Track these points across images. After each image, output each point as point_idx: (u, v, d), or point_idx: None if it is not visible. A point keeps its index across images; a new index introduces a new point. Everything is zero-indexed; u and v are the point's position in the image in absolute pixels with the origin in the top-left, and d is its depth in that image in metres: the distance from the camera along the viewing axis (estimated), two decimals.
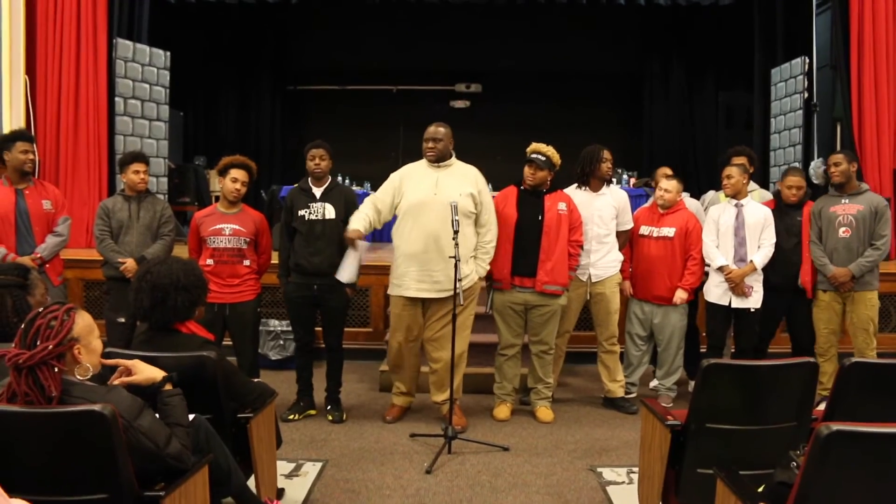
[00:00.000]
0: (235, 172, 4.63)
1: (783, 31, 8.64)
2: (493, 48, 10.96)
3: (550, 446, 4.39)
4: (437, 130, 4.58)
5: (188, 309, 2.91)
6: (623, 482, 3.87)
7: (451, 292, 4.39)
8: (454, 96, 11.66)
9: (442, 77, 11.48)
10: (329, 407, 4.82)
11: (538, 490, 3.77)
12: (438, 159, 4.57)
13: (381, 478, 3.88)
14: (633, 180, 9.37)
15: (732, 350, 5.22)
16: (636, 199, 7.09)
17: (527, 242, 4.61)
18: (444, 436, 4.22)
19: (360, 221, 4.45)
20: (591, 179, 5.00)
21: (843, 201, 4.91)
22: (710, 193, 5.73)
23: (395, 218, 4.67)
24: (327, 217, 4.63)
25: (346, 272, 4.41)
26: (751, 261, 4.81)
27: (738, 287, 4.81)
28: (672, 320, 4.97)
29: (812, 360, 2.94)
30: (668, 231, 4.94)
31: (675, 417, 3.00)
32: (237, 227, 4.59)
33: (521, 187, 4.76)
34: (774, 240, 4.85)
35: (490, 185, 9.31)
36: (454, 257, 4.17)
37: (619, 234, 5.03)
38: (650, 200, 5.34)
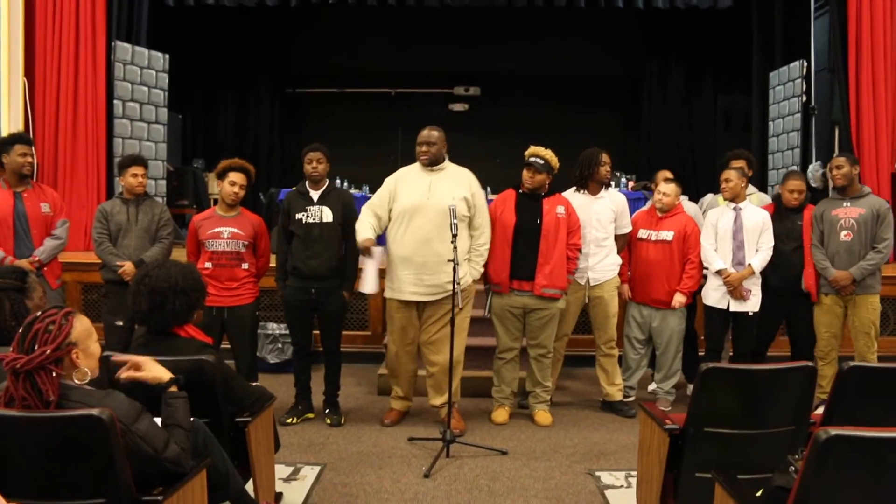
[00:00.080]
0: (234, 176, 4.63)
1: (781, 35, 8.66)
2: (491, 51, 10.97)
3: (549, 450, 4.38)
4: (431, 134, 4.58)
5: (186, 312, 2.91)
6: (621, 486, 3.87)
7: (446, 294, 4.43)
8: (453, 99, 11.66)
9: (440, 80, 11.48)
10: (327, 410, 4.82)
11: (536, 494, 3.76)
12: (432, 163, 4.58)
13: (379, 482, 3.88)
14: (631, 183, 9.37)
15: (731, 353, 5.22)
16: (634, 203, 7.09)
17: (525, 246, 4.61)
18: (443, 439, 4.22)
19: (367, 229, 4.47)
20: (590, 183, 5.00)
21: (844, 204, 4.91)
22: (709, 196, 5.74)
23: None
24: (325, 220, 4.63)
25: (370, 282, 4.41)
26: (749, 264, 4.81)
27: (736, 290, 4.81)
28: (670, 324, 4.97)
29: (810, 364, 2.94)
30: (667, 235, 4.94)
31: (673, 421, 3.00)
32: (235, 230, 4.59)
33: (520, 191, 4.76)
34: (772, 243, 4.85)
35: (489, 189, 9.39)
36: (453, 260, 4.18)
37: (617, 238, 5.03)
38: (648, 204, 5.34)
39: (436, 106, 11.38)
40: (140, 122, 7.78)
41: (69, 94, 7.24)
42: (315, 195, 4.68)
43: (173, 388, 2.51)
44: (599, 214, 4.94)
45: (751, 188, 5.35)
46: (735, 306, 4.86)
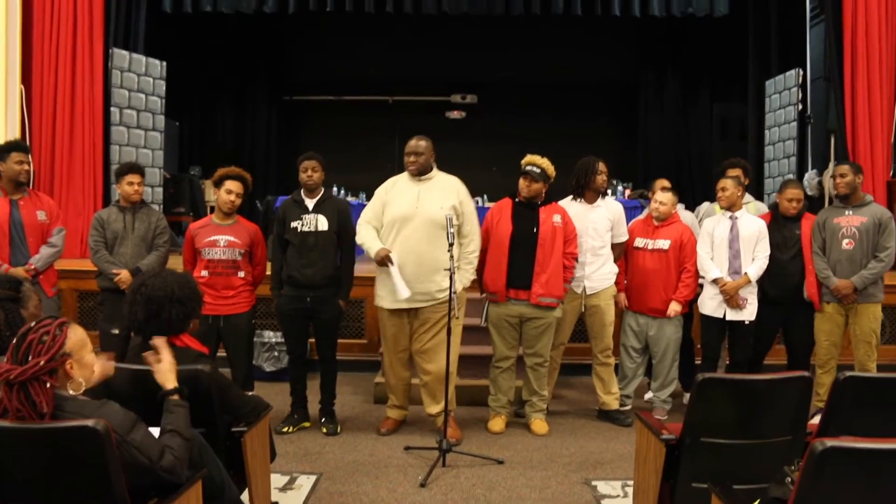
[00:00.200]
0: (230, 184, 4.63)
1: (777, 43, 8.71)
2: (489, 59, 11.00)
3: (545, 459, 4.37)
4: (418, 144, 4.58)
5: (182, 322, 2.90)
6: (618, 496, 3.86)
7: (436, 302, 4.45)
8: (450, 107, 11.70)
9: (438, 88, 11.52)
10: (323, 419, 4.81)
11: None
12: (420, 173, 4.58)
13: (375, 491, 3.87)
14: (627, 192, 9.40)
15: (727, 362, 5.23)
16: (631, 211, 7.11)
17: (522, 255, 4.61)
18: (439, 449, 4.21)
19: (377, 240, 4.49)
20: (587, 192, 5.01)
21: (847, 213, 4.90)
22: (705, 205, 5.74)
23: None
24: (320, 229, 4.63)
25: (400, 288, 4.37)
26: (745, 273, 4.82)
27: (732, 299, 4.82)
28: (667, 332, 4.97)
29: (806, 374, 2.95)
30: (663, 243, 4.95)
31: (669, 431, 2.99)
32: (232, 238, 4.59)
33: (516, 199, 4.76)
34: (769, 252, 4.86)
35: (486, 196, 9.44)
36: (450, 269, 4.18)
37: (614, 247, 5.04)
38: (645, 213, 5.35)
39: (433, 113, 11.42)
40: (137, 129, 7.79)
41: (66, 101, 7.25)
42: (310, 203, 4.68)
43: (175, 397, 2.50)
44: (596, 223, 4.95)
45: (747, 197, 5.36)
46: (731, 315, 4.86)
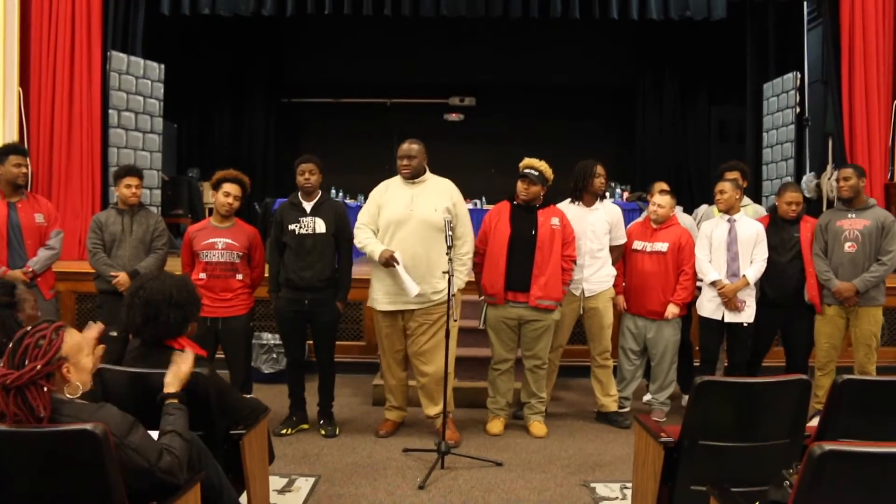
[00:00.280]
0: (228, 187, 4.63)
1: (775, 47, 8.73)
2: (487, 62, 11.02)
3: (544, 461, 4.37)
4: (411, 148, 4.60)
5: (180, 325, 2.89)
6: (616, 498, 3.87)
7: (431, 304, 4.49)
8: (448, 109, 11.70)
9: (436, 90, 11.52)
10: (322, 421, 4.81)
11: None
12: (413, 176, 4.60)
13: (373, 493, 3.87)
14: (626, 194, 9.40)
15: (725, 364, 5.23)
16: (629, 213, 7.11)
17: (520, 257, 4.62)
18: (437, 451, 4.21)
19: (378, 243, 4.50)
20: (585, 194, 5.01)
21: (849, 216, 4.90)
22: (703, 207, 5.75)
23: None
24: (318, 231, 4.63)
25: (410, 286, 4.38)
26: (743, 275, 4.82)
27: (730, 302, 4.82)
28: (665, 335, 4.97)
29: (805, 377, 2.94)
30: (662, 246, 4.95)
31: (668, 434, 2.99)
32: (230, 241, 4.59)
33: (514, 202, 4.77)
34: (767, 255, 4.86)
35: (484, 198, 9.44)
36: (447, 272, 4.20)
37: (612, 249, 5.04)
38: (643, 215, 5.35)
39: (431, 116, 11.43)
40: (135, 131, 7.78)
41: (64, 103, 7.24)
42: (308, 206, 4.68)
43: (174, 401, 2.50)
44: (594, 226, 4.95)
45: (746, 199, 5.36)
46: (730, 317, 4.86)
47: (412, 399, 4.88)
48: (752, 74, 9.03)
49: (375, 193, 4.71)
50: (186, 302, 2.89)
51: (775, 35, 8.74)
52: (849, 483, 2.00)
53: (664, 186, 5.34)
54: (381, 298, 4.58)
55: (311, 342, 5.01)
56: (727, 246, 4.86)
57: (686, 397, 5.16)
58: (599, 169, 5.01)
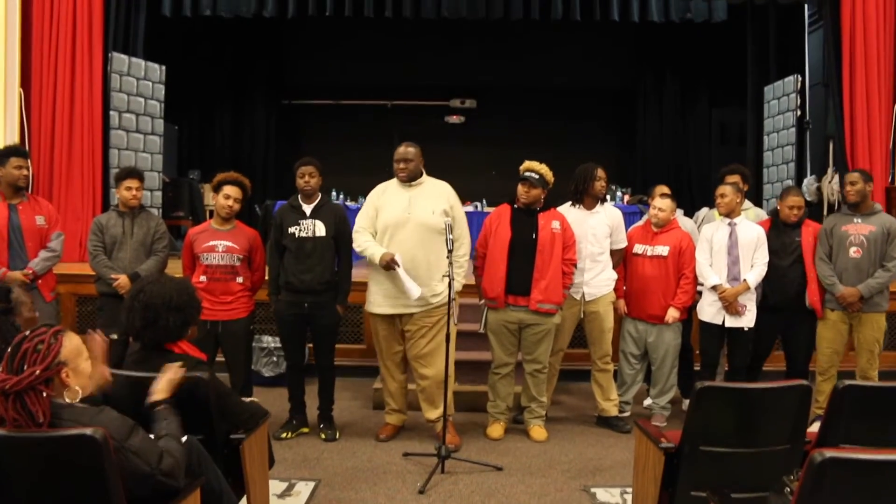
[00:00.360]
0: (228, 189, 4.63)
1: (776, 49, 8.74)
2: (487, 64, 11.03)
3: (544, 466, 4.37)
4: (407, 151, 4.60)
5: (180, 329, 2.89)
6: (616, 503, 3.86)
7: (431, 306, 4.50)
8: (449, 111, 11.71)
9: (437, 92, 11.53)
10: (322, 425, 4.80)
11: None
12: (410, 179, 4.61)
13: (373, 498, 3.86)
14: (627, 197, 9.41)
15: (726, 369, 5.22)
16: (630, 216, 7.11)
17: (521, 261, 4.61)
18: (438, 455, 4.20)
19: (377, 245, 4.51)
20: (585, 198, 5.00)
21: (855, 220, 4.89)
22: (704, 210, 5.74)
23: None
24: (318, 234, 4.62)
25: (412, 289, 4.39)
26: (744, 280, 4.81)
27: (731, 306, 4.81)
28: (666, 339, 4.97)
29: (805, 383, 2.94)
30: (662, 250, 4.94)
31: (668, 439, 2.99)
32: (230, 244, 4.58)
33: (515, 205, 4.76)
34: (767, 259, 4.86)
35: (485, 201, 9.44)
36: (447, 275, 4.21)
37: (613, 253, 5.03)
38: (643, 219, 5.34)
39: (432, 118, 11.45)
40: (136, 133, 7.78)
41: (65, 105, 7.24)
42: (308, 209, 4.68)
43: (163, 407, 2.50)
44: (595, 229, 4.95)
45: (747, 203, 5.36)
46: (730, 322, 4.85)
47: (412, 403, 4.88)
48: (753, 77, 9.04)
49: (372, 196, 4.71)
50: (186, 305, 2.89)
51: (776, 37, 8.76)
52: (849, 490, 2.00)
53: (665, 190, 5.33)
54: (379, 301, 4.58)
55: (311, 345, 5.00)
56: (728, 250, 4.85)
57: (686, 401, 5.15)
58: (600, 172, 5.00)
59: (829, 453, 1.96)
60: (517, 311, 4.66)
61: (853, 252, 4.83)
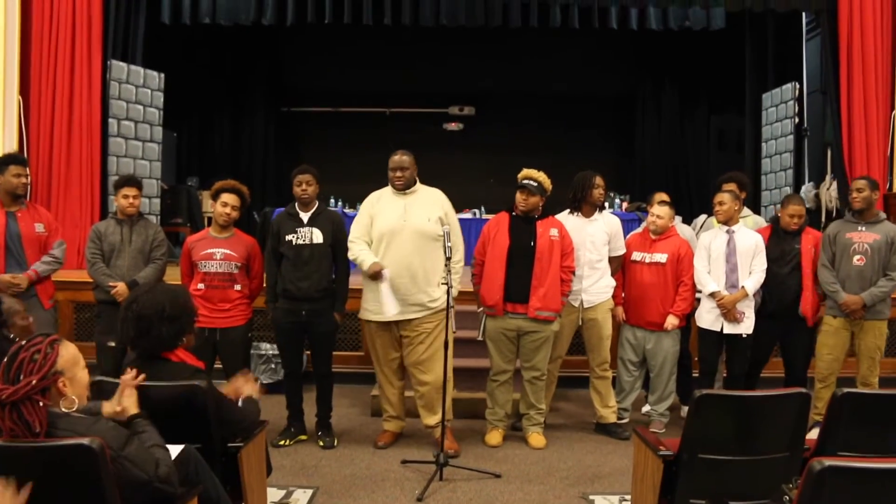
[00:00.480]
0: (226, 197, 4.63)
1: (774, 57, 8.76)
2: (486, 71, 11.04)
3: (542, 473, 4.36)
4: (403, 159, 4.62)
5: (174, 338, 2.87)
6: None
7: (429, 312, 4.51)
8: (447, 119, 11.72)
9: (435, 99, 11.54)
10: (320, 432, 4.79)
11: None
12: (406, 187, 4.62)
13: None
14: (625, 204, 9.42)
15: (724, 375, 5.22)
16: (628, 223, 7.11)
17: (519, 268, 4.61)
18: (436, 462, 4.19)
19: (371, 255, 4.51)
20: (583, 205, 5.01)
21: (859, 228, 4.88)
22: (703, 217, 5.75)
23: None
24: (315, 242, 4.63)
25: (389, 304, 4.41)
26: (742, 287, 4.81)
27: (729, 313, 4.81)
28: (664, 346, 4.96)
29: (804, 390, 2.94)
30: (661, 257, 4.95)
31: (667, 447, 2.98)
32: (228, 251, 4.59)
33: (513, 213, 4.76)
34: (765, 266, 4.86)
35: (483, 208, 9.44)
36: (447, 283, 4.22)
37: (611, 260, 5.03)
38: (642, 226, 5.35)
39: (431, 125, 11.46)
40: (135, 140, 7.79)
41: (64, 112, 7.24)
42: (305, 217, 4.68)
43: (139, 420, 2.48)
44: (593, 237, 4.95)
45: (746, 210, 5.37)
46: (728, 328, 4.85)
47: (410, 409, 4.87)
48: (751, 84, 9.06)
49: (366, 205, 4.73)
50: (180, 315, 2.87)
51: (774, 45, 8.78)
52: (848, 499, 2.00)
53: (663, 197, 5.34)
54: (375, 309, 4.57)
55: (308, 353, 4.99)
56: (726, 257, 4.86)
57: (685, 408, 5.15)
58: (598, 180, 5.01)
59: (828, 462, 1.96)
60: (516, 318, 4.66)
61: (857, 260, 4.83)
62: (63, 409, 2.19)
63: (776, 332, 5.04)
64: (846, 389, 2.87)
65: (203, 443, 2.77)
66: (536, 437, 4.83)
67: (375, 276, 4.42)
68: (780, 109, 8.31)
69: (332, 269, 4.72)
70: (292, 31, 9.26)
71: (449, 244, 4.25)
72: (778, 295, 4.94)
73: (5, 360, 2.14)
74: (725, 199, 4.90)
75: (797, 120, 8.03)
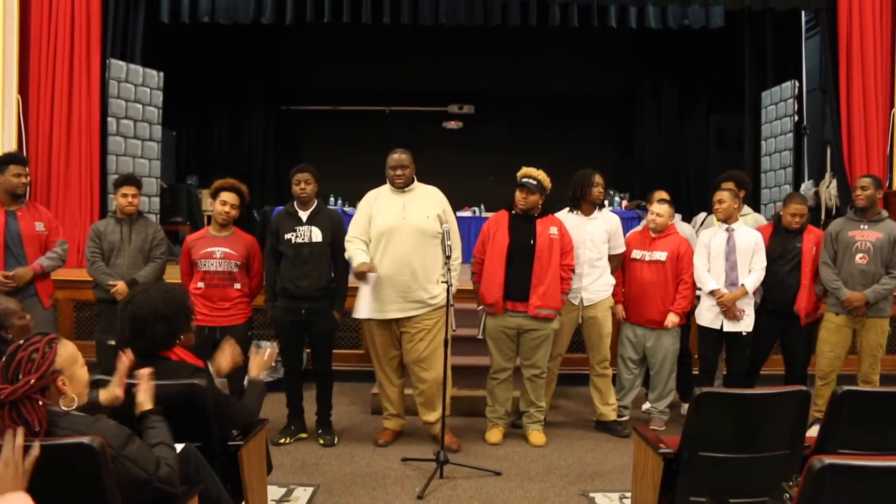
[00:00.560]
0: (225, 195, 4.63)
1: (773, 55, 8.76)
2: (485, 70, 11.03)
3: (543, 471, 4.36)
4: (402, 158, 4.63)
5: (168, 338, 2.86)
6: None
7: (429, 309, 4.53)
8: (447, 117, 11.72)
9: (435, 98, 11.53)
10: (320, 430, 4.80)
11: None
12: (406, 185, 4.63)
13: (372, 503, 3.86)
14: (624, 202, 9.41)
15: (724, 373, 5.22)
16: (628, 222, 7.11)
17: (519, 267, 4.61)
18: (436, 460, 4.19)
19: (364, 255, 4.50)
20: (583, 203, 5.01)
21: (862, 227, 4.87)
22: (702, 215, 5.75)
23: None
24: (314, 240, 4.63)
25: (363, 306, 4.43)
26: (742, 284, 4.82)
27: (729, 311, 4.82)
28: (664, 344, 4.97)
29: (804, 388, 2.94)
30: (660, 255, 4.95)
31: (667, 445, 2.99)
32: (228, 250, 4.59)
33: (513, 211, 4.77)
34: (765, 263, 4.86)
35: (482, 206, 9.44)
36: (447, 281, 4.22)
37: (611, 258, 5.04)
38: (641, 224, 5.35)
39: (430, 124, 11.45)
40: (134, 139, 7.78)
41: (63, 111, 7.23)
42: (304, 215, 4.68)
43: (152, 416, 2.49)
44: (593, 235, 4.95)
45: (746, 209, 5.37)
46: (728, 326, 4.86)
47: (410, 407, 4.87)
48: (751, 82, 9.06)
49: (364, 204, 4.73)
50: (174, 314, 2.87)
51: (773, 43, 8.78)
52: (848, 496, 2.00)
53: (663, 195, 5.34)
54: (374, 307, 4.57)
55: (308, 351, 4.98)
56: (725, 255, 4.86)
57: (685, 406, 5.16)
58: (597, 178, 5.01)
59: (828, 460, 1.96)
60: (516, 316, 4.66)
61: (859, 258, 4.82)
62: (63, 408, 2.19)
63: (776, 330, 5.05)
64: (846, 387, 2.87)
65: (203, 441, 2.77)
66: (537, 435, 4.83)
67: (360, 276, 4.43)
68: (779, 108, 8.31)
69: (331, 268, 4.72)
70: (291, 30, 9.25)
71: (449, 242, 4.26)
72: (778, 293, 4.94)
73: (4, 359, 2.14)
74: (725, 196, 4.90)
75: (796, 118, 8.03)
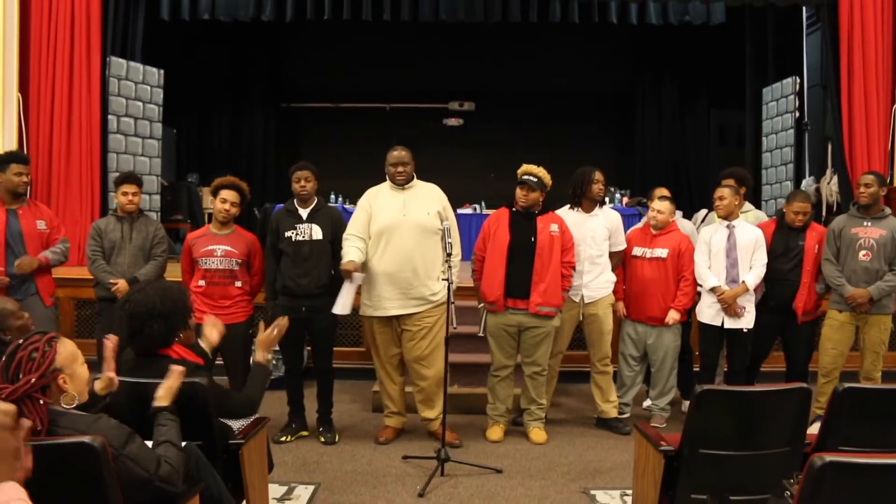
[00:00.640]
0: (225, 193, 4.62)
1: (774, 51, 8.74)
2: (486, 67, 11.03)
3: (544, 468, 4.36)
4: (403, 155, 4.64)
5: (166, 336, 2.85)
6: None
7: (430, 306, 4.55)
8: (447, 114, 11.71)
9: (435, 95, 11.52)
10: (321, 428, 4.80)
11: None
12: (406, 182, 4.64)
13: (373, 501, 3.86)
14: (625, 199, 9.41)
15: (725, 370, 5.22)
16: (629, 218, 7.11)
17: (520, 264, 4.61)
18: (437, 458, 4.19)
19: (355, 253, 4.49)
20: (583, 200, 5.00)
21: (865, 224, 4.86)
22: (703, 212, 5.75)
23: None
24: (314, 238, 4.63)
25: (342, 304, 4.43)
26: (743, 281, 4.82)
27: (730, 308, 4.82)
28: (665, 341, 4.97)
29: (805, 385, 2.94)
30: (661, 252, 4.95)
31: (668, 442, 2.99)
32: (228, 248, 4.59)
33: (513, 209, 4.76)
34: (766, 260, 4.86)
35: (483, 203, 9.44)
36: (447, 279, 4.22)
37: (611, 255, 5.03)
38: (642, 221, 5.35)
39: (431, 121, 11.44)
40: (134, 137, 7.78)
41: (63, 109, 7.23)
42: (304, 213, 4.68)
43: (166, 413, 2.50)
44: (593, 232, 4.95)
45: (747, 205, 5.36)
46: (729, 323, 4.86)
47: (411, 405, 4.87)
48: (752, 79, 9.05)
49: (364, 202, 4.73)
50: (171, 312, 2.86)
51: (774, 39, 8.76)
52: (849, 494, 2.00)
53: (664, 192, 5.33)
54: (375, 305, 4.58)
55: (309, 349, 4.98)
56: (726, 252, 4.86)
57: (686, 403, 5.15)
58: (598, 175, 5.00)
59: (829, 457, 1.96)
60: (516, 314, 4.66)
61: (862, 255, 4.81)
62: (63, 406, 2.19)
63: (777, 327, 5.04)
64: (847, 384, 2.87)
65: (204, 440, 2.77)
66: (537, 433, 4.83)
67: (346, 273, 4.42)
68: (780, 104, 8.30)
69: (331, 266, 4.71)
70: (291, 28, 9.26)
71: (449, 240, 4.26)
72: (780, 290, 4.94)
73: (4, 358, 2.14)
74: (726, 193, 4.90)
75: (798, 114, 8.02)
